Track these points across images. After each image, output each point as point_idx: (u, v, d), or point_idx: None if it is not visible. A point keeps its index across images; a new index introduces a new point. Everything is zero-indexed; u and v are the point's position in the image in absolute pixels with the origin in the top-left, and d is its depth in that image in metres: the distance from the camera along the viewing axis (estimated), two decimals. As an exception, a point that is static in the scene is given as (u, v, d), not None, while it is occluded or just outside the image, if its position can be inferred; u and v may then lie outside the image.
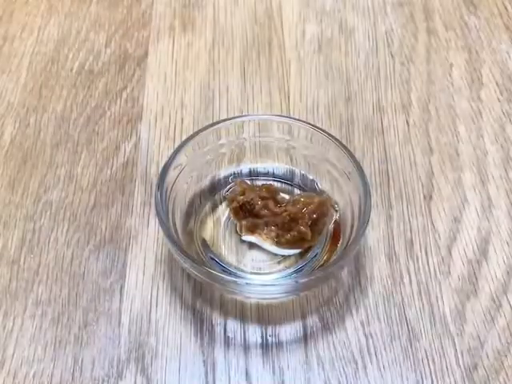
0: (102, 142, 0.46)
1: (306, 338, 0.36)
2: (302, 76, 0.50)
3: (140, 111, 0.48)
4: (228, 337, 0.36)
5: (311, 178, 0.42)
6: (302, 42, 0.53)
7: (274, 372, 0.35)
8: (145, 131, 0.46)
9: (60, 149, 0.45)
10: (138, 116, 0.47)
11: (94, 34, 0.53)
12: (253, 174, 0.43)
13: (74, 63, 0.51)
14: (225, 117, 0.46)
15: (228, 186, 0.42)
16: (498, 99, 0.49)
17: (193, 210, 0.41)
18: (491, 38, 0.53)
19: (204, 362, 0.35)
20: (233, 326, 0.37)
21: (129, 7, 0.56)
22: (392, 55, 0.52)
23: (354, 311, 0.37)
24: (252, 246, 0.39)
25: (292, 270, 0.38)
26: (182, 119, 0.47)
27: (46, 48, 0.52)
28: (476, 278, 0.39)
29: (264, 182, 0.42)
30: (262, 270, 0.38)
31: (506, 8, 0.55)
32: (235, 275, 0.37)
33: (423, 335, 0.36)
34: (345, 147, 0.39)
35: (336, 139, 0.39)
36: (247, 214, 0.39)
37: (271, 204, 0.39)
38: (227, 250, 0.39)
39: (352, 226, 0.37)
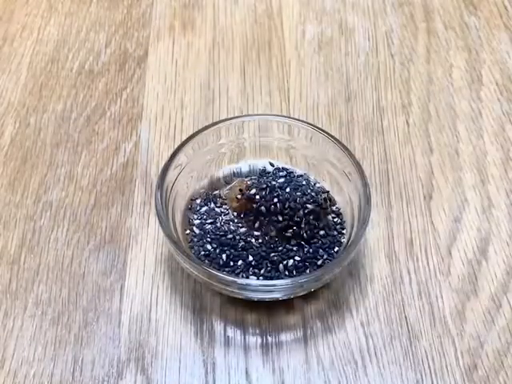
0: (102, 142, 0.46)
1: (305, 338, 0.36)
2: (302, 76, 0.50)
3: (140, 111, 0.48)
4: (228, 337, 0.36)
5: (312, 177, 0.42)
6: (302, 41, 0.53)
7: (273, 372, 0.35)
8: (145, 131, 0.46)
9: (60, 149, 0.45)
10: (138, 116, 0.47)
11: (93, 33, 0.53)
12: (253, 174, 0.43)
13: (74, 63, 0.51)
14: (225, 117, 0.46)
15: (228, 186, 0.42)
16: (498, 99, 0.49)
17: (193, 210, 0.41)
18: (491, 38, 0.53)
19: (204, 361, 0.35)
20: (233, 325, 0.37)
21: (129, 7, 0.56)
22: (392, 55, 0.52)
23: (354, 311, 0.37)
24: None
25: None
26: (182, 119, 0.47)
27: (46, 48, 0.52)
28: (476, 278, 0.39)
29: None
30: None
31: (505, 8, 0.55)
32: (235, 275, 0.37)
33: (423, 335, 0.36)
34: (345, 147, 0.39)
35: (336, 139, 0.39)
36: None
37: None
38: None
39: (352, 226, 0.38)
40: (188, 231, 0.39)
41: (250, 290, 0.35)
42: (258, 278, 0.36)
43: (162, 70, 0.51)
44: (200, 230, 0.38)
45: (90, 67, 0.51)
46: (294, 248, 0.37)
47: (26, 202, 0.42)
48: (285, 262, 0.36)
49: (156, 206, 0.36)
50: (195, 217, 0.39)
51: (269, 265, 0.36)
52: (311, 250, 0.37)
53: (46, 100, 0.49)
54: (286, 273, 0.36)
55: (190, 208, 0.40)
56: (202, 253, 0.37)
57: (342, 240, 0.38)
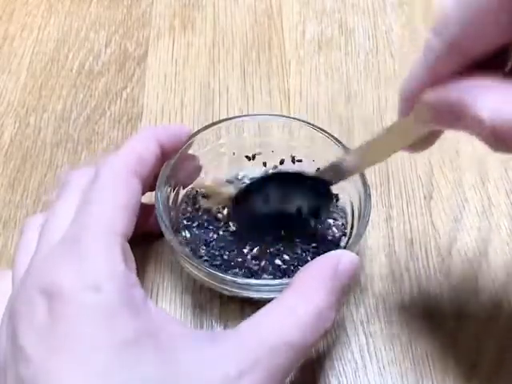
0: (102, 141, 0.46)
1: (305, 338, 0.36)
2: (301, 76, 0.50)
3: (140, 111, 0.48)
4: (228, 337, 0.36)
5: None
6: (302, 41, 0.53)
7: (273, 372, 0.35)
8: (145, 131, 0.46)
9: (60, 149, 0.45)
10: (137, 116, 0.47)
11: (93, 33, 0.53)
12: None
13: (74, 63, 0.51)
14: (225, 117, 0.46)
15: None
16: (498, 99, 0.48)
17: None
18: (491, 37, 0.53)
19: (204, 361, 0.35)
20: (233, 326, 0.36)
21: (129, 7, 0.56)
22: (392, 55, 0.52)
23: (353, 311, 0.37)
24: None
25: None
26: (182, 119, 0.47)
27: (46, 48, 0.52)
28: (476, 278, 0.39)
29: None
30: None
31: (505, 8, 0.55)
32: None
33: (423, 335, 0.36)
34: (345, 147, 0.39)
35: (336, 139, 0.39)
36: None
37: None
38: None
39: (352, 226, 0.37)
40: (183, 233, 0.39)
41: (250, 290, 0.35)
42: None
43: (161, 69, 0.51)
44: (189, 231, 0.39)
45: (89, 67, 0.51)
46: (292, 249, 0.37)
47: (26, 202, 0.42)
48: (281, 264, 0.37)
49: (156, 206, 0.36)
50: (189, 210, 0.40)
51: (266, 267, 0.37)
52: (311, 251, 0.37)
53: (45, 100, 0.49)
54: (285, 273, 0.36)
55: (187, 205, 0.40)
56: (199, 251, 0.37)
57: (342, 240, 0.38)
